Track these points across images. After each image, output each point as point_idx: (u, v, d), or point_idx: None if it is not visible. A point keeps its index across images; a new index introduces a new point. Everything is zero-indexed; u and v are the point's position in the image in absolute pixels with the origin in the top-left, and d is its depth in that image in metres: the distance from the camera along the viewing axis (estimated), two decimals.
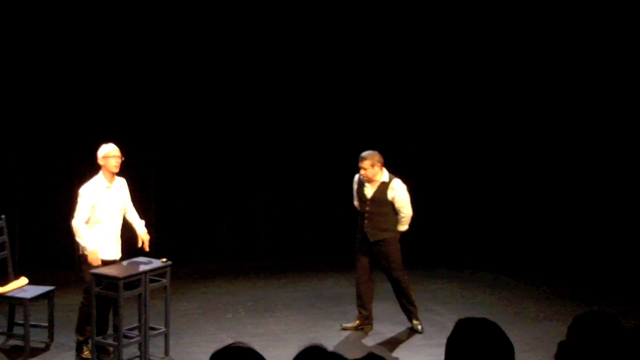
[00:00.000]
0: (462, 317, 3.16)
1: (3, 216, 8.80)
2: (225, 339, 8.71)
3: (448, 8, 12.19)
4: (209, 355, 2.86)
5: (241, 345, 2.86)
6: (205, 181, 11.82)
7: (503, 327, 3.12)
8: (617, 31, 11.53)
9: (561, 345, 3.25)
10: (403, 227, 8.96)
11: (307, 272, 11.38)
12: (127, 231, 8.48)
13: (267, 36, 11.76)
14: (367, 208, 8.88)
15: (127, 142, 11.02)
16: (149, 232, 8.51)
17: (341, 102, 12.11)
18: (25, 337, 8.30)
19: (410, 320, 9.11)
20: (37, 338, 8.55)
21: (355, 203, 9.08)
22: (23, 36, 10.73)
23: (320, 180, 12.04)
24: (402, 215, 8.89)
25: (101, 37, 11.03)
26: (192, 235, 11.73)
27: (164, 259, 8.37)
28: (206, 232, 11.86)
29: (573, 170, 12.00)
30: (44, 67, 10.89)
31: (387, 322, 9.39)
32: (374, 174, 8.80)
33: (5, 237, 8.79)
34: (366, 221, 8.90)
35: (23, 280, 8.65)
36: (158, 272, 8.32)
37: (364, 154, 8.84)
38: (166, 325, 8.40)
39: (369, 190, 8.89)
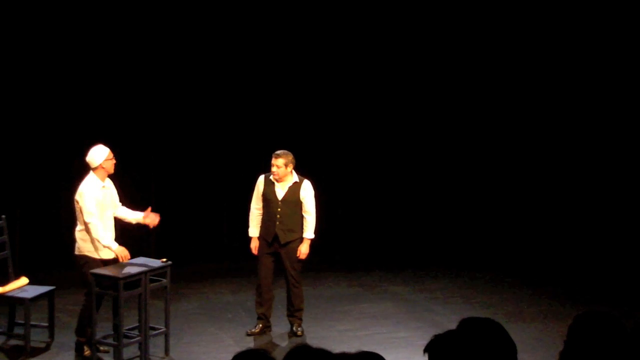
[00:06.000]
0: (462, 317, 3.16)
1: (3, 216, 8.81)
2: (225, 339, 8.71)
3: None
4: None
5: (262, 351, 2.87)
6: (205, 181, 11.82)
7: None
8: (617, 31, 11.53)
9: (565, 344, 3.26)
10: (309, 234, 8.85)
11: (307, 272, 11.33)
12: (128, 232, 8.48)
13: (265, 40, 11.76)
14: (279, 209, 8.80)
15: (127, 143, 11.14)
16: (149, 232, 8.51)
17: (340, 103, 12.11)
18: (25, 337, 8.32)
19: (291, 324, 9.06)
20: (37, 338, 8.57)
21: (256, 204, 8.95)
22: (25, 36, 10.74)
23: (319, 181, 12.01)
24: (308, 217, 8.82)
25: (100, 37, 11.03)
26: (192, 235, 11.72)
27: (164, 259, 8.38)
28: (206, 232, 11.86)
29: (573, 171, 11.99)
30: (44, 66, 10.89)
31: (387, 322, 9.40)
32: (284, 174, 8.76)
33: (5, 237, 8.80)
34: (278, 223, 8.82)
35: (23, 280, 8.66)
36: (158, 272, 8.33)
37: (280, 152, 8.81)
38: (166, 325, 8.41)
39: (280, 191, 8.82)
